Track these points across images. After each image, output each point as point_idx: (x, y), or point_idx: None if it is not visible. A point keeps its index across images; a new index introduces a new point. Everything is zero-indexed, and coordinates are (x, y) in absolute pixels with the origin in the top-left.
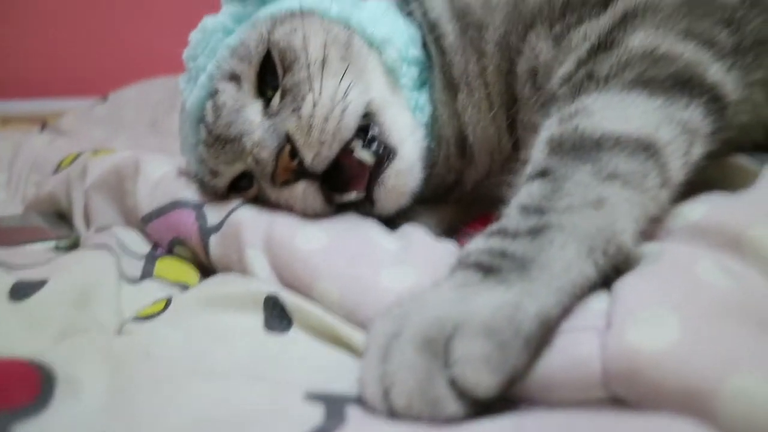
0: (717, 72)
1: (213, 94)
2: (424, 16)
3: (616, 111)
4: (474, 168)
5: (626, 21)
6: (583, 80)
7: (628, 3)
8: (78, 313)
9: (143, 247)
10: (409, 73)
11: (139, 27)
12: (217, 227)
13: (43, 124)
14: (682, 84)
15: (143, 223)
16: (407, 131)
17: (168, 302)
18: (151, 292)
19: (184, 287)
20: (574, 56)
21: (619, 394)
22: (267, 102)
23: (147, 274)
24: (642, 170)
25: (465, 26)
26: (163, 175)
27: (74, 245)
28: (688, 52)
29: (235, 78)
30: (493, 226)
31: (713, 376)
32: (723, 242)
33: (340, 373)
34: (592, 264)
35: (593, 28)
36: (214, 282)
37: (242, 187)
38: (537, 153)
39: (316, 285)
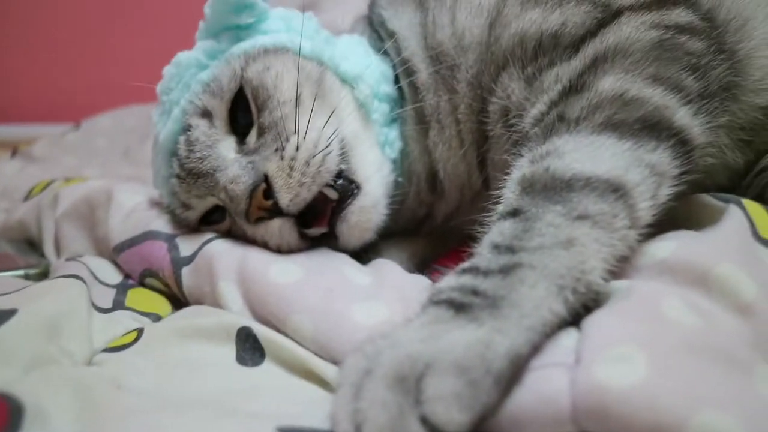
0: (684, 116)
1: (186, 128)
2: (398, 54)
3: (587, 153)
4: (444, 202)
5: (596, 65)
6: (555, 122)
7: (598, 47)
8: (48, 343)
9: (115, 276)
10: (381, 109)
11: (113, 55)
12: (190, 259)
13: (14, 150)
14: (651, 127)
15: (115, 253)
16: (374, 168)
17: (140, 333)
18: (123, 322)
19: (157, 318)
20: (547, 98)
21: (588, 429)
22: (240, 138)
23: (118, 304)
24: (611, 211)
25: (438, 65)
26: (135, 205)
27: (44, 274)
28: (656, 96)
29: (207, 114)
30: (465, 264)
31: (680, 412)
32: (690, 279)
33: (312, 408)
34: (562, 302)
35: (565, 70)
36: (187, 313)
37: (214, 220)
38: (509, 192)
39: (290, 318)
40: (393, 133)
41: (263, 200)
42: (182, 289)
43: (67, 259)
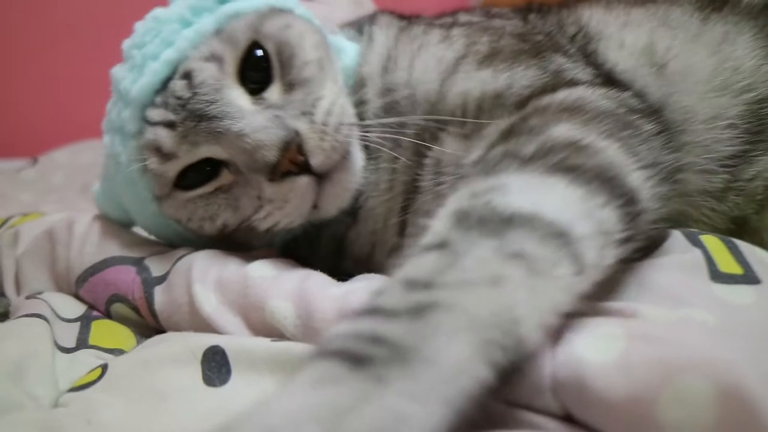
0: (637, 179)
1: (185, 75)
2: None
3: (535, 193)
4: (358, 233)
5: (546, 112)
6: (502, 158)
7: (549, 100)
8: (14, 387)
9: (77, 309)
10: (348, 83)
11: (69, 88)
12: (163, 278)
13: None
14: (604, 181)
15: (78, 285)
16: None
17: (104, 369)
18: (86, 361)
19: (121, 353)
20: (485, 143)
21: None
22: (249, 91)
23: (82, 342)
24: (553, 258)
25: (388, 105)
26: (96, 233)
27: (5, 314)
28: (612, 151)
29: (216, 59)
30: (365, 304)
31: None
32: None
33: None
34: (486, 362)
35: (506, 122)
36: (151, 343)
37: (189, 185)
38: (438, 223)
39: (268, 303)
40: None
41: (297, 155)
42: (153, 308)
43: (27, 297)
